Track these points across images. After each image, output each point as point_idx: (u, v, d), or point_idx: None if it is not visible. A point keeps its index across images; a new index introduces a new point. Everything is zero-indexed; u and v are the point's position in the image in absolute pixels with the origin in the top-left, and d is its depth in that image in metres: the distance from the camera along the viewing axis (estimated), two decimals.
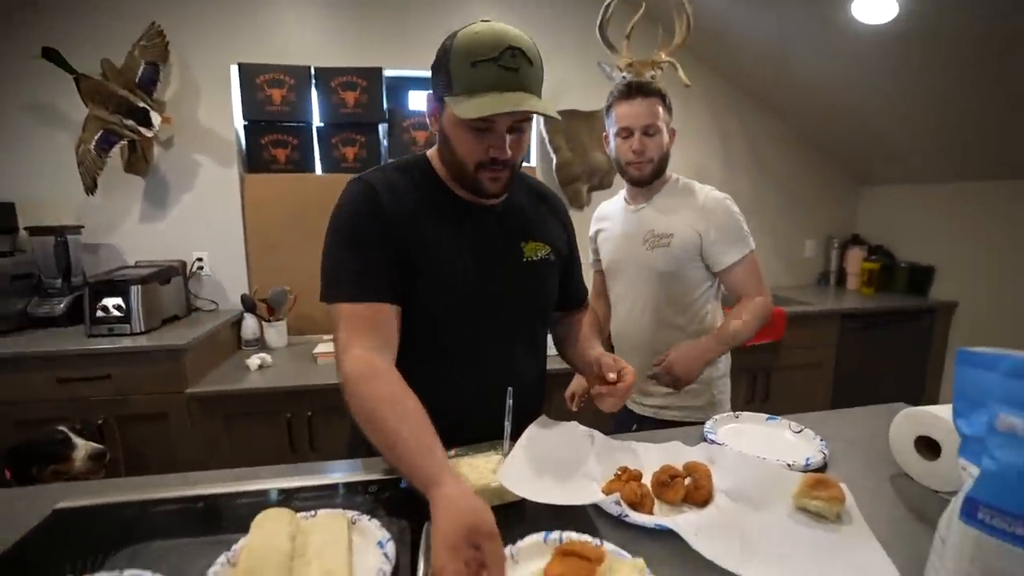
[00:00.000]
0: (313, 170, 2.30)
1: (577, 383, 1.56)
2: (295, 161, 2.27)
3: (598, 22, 2.10)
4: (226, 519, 0.71)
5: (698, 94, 2.61)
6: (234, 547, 0.61)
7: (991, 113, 2.03)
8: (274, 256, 2.27)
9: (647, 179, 1.33)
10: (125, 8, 2.11)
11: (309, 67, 2.22)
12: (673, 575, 0.63)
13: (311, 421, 1.81)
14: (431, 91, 0.86)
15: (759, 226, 2.88)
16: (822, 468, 0.88)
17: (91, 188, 2.04)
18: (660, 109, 1.29)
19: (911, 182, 2.75)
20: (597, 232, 1.53)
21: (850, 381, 2.45)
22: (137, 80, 2.07)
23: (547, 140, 2.43)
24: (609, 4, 2.07)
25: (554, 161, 2.43)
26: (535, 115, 0.81)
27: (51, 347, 1.72)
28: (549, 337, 1.09)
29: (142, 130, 2.05)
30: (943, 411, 0.83)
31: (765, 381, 2.33)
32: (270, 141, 2.25)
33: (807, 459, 0.88)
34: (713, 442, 0.95)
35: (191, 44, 2.19)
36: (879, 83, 2.20)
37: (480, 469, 0.77)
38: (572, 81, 2.50)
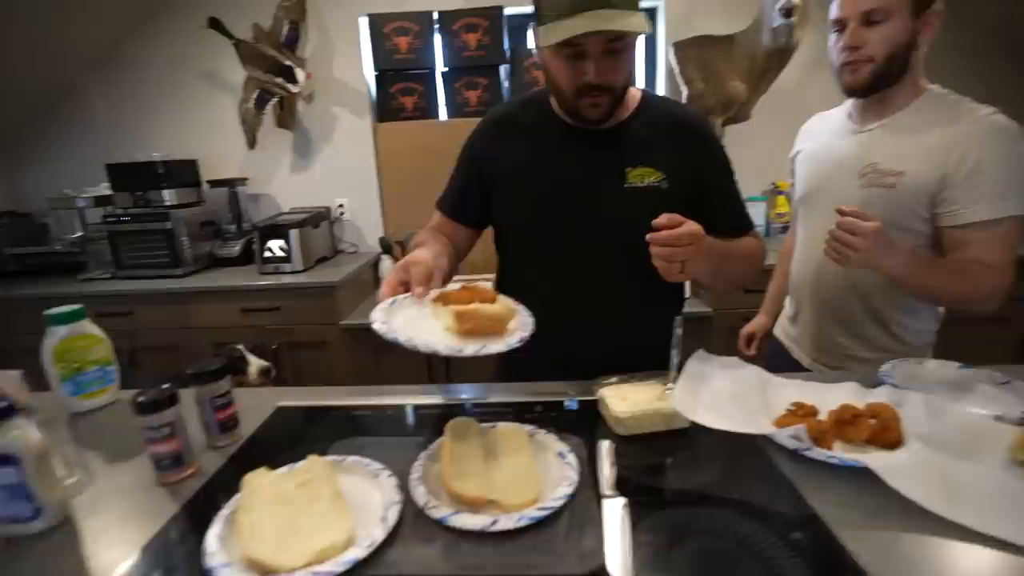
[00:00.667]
0: (438, 116, 2.36)
1: (756, 322, 1.43)
2: (421, 108, 2.34)
3: None
4: (418, 424, 0.79)
5: None
6: (431, 446, 0.68)
7: None
8: (406, 201, 2.41)
9: (864, 86, 0.98)
10: None
11: (432, 12, 2.24)
12: (869, 511, 0.60)
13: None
14: (532, 21, 0.86)
15: None
16: None
17: (252, 143, 2.28)
18: None
19: None
20: (796, 153, 1.23)
21: None
22: (283, 40, 2.23)
23: (677, 72, 2.25)
24: None
25: (684, 93, 2.26)
26: (636, 34, 0.79)
27: (234, 282, 2.00)
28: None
29: (289, 87, 2.22)
30: None
31: None
32: (398, 89, 2.33)
33: (1023, 412, 0.77)
34: (895, 387, 0.87)
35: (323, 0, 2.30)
36: None
37: (647, 394, 0.78)
38: (705, 3, 2.27)
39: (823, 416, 0.76)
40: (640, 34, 0.79)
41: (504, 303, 0.75)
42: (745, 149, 2.39)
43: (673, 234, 0.76)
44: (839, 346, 1.12)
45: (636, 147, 0.94)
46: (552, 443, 0.69)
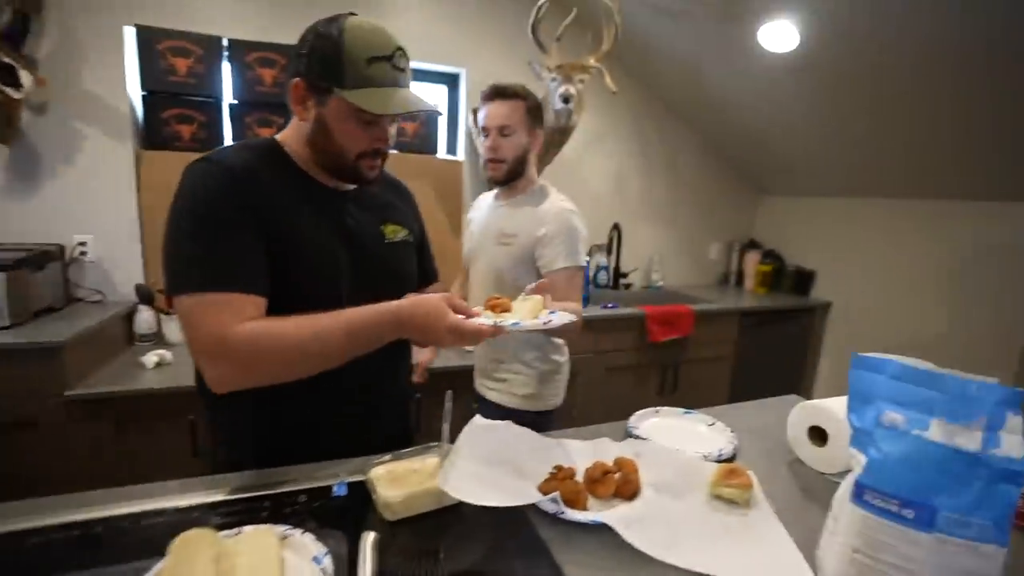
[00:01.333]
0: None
1: (420, 354, 1.60)
2: (202, 139, 2.07)
3: (530, 21, 2.12)
4: (137, 544, 0.64)
5: (622, 101, 2.72)
6: (148, 574, 0.55)
7: (871, 138, 2.32)
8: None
9: (502, 179, 1.42)
10: None
11: (221, 38, 2.03)
12: (608, 566, 0.66)
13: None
14: (300, 77, 0.84)
15: (673, 229, 3.08)
16: (732, 458, 0.96)
17: None
18: (521, 112, 1.37)
19: (801, 194, 3.07)
20: (469, 220, 1.63)
21: (746, 373, 2.70)
22: (3, 31, 1.78)
23: (474, 135, 2.42)
24: (542, 5, 2.09)
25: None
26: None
27: None
28: None
29: (8, 90, 1.77)
30: (831, 403, 0.95)
31: (674, 374, 2.50)
32: (173, 116, 2.04)
33: (720, 450, 0.96)
34: (637, 437, 1.01)
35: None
36: (779, 104, 2.43)
37: (419, 472, 0.76)
38: (503, 76, 2.48)
39: (581, 474, 0.84)
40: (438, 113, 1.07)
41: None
42: None
43: None
44: (497, 371, 1.51)
45: (381, 206, 1.02)
46: (308, 545, 0.62)
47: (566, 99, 2.07)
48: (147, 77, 1.99)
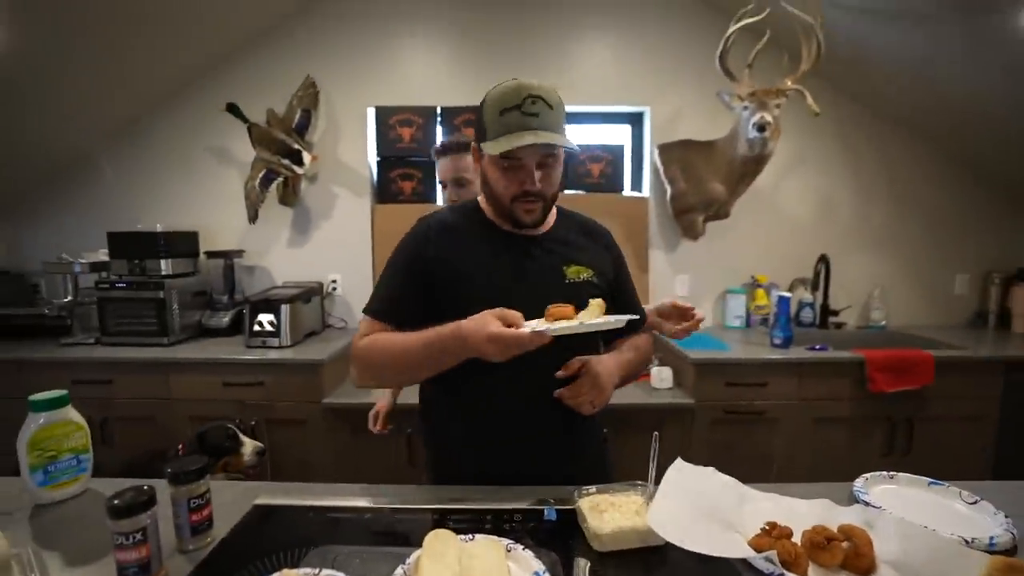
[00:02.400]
0: (434, 201, 2.48)
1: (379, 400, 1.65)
2: (419, 192, 2.46)
3: (718, 52, 2.07)
4: (395, 531, 0.78)
5: (827, 119, 2.45)
6: (408, 560, 0.67)
7: None
8: None
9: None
10: (287, 64, 2.44)
11: (435, 107, 2.42)
12: None
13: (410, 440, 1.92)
14: (474, 143, 1.02)
15: (897, 259, 2.62)
16: (1011, 551, 0.78)
17: (253, 218, 2.36)
18: (470, 160, 1.34)
19: None
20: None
21: (1018, 440, 2.11)
22: (294, 125, 2.37)
23: (662, 171, 2.41)
24: (730, 35, 2.04)
25: (668, 192, 2.41)
26: (563, 150, 0.96)
27: (218, 354, 2.00)
28: None
29: (296, 168, 2.34)
30: None
31: (907, 433, 2.08)
32: (398, 175, 2.47)
33: (991, 537, 0.79)
34: (867, 504, 0.88)
35: (336, 91, 2.48)
36: None
37: (622, 508, 0.78)
38: (689, 110, 2.48)
39: (797, 536, 0.77)
40: (566, 149, 0.95)
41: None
42: (725, 244, 2.53)
43: (576, 388, 0.94)
44: None
45: (567, 249, 1.05)
46: (529, 560, 0.68)
47: (761, 127, 1.95)
48: (381, 145, 2.45)
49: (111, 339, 2.20)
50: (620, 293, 1.13)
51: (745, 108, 2.02)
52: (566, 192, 2.40)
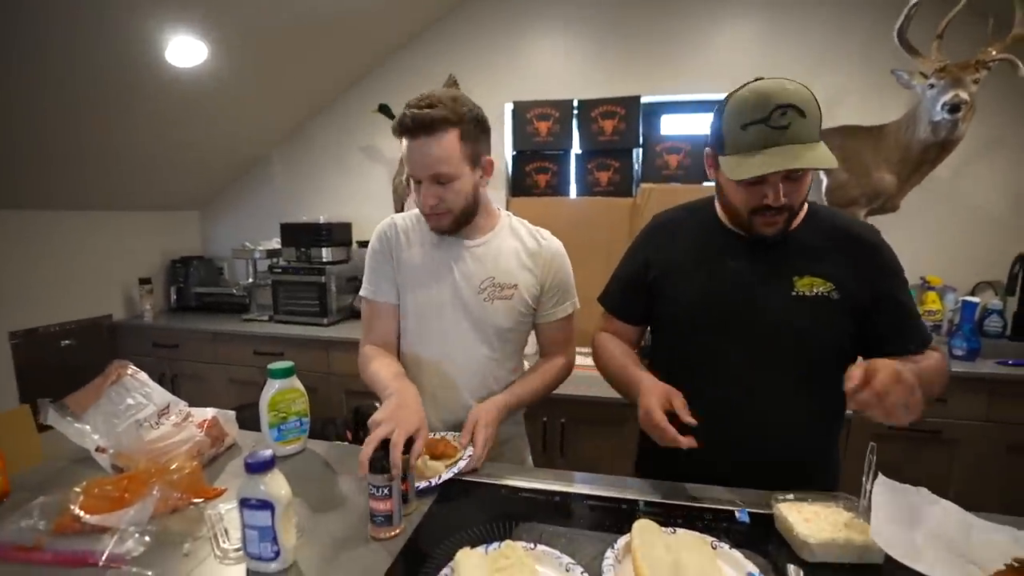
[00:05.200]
0: (568, 194, 2.49)
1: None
2: (553, 186, 2.49)
3: (897, 24, 1.84)
4: (593, 518, 0.81)
5: None
6: (616, 544, 0.69)
7: None
8: None
9: (449, 228, 1.06)
10: (432, 64, 2.59)
11: (572, 100, 2.42)
12: None
13: (564, 428, 1.95)
14: (708, 147, 0.96)
15: None
16: None
17: (400, 210, 2.53)
18: (456, 146, 0.97)
19: None
20: (381, 252, 1.20)
21: None
22: None
23: None
24: (914, 4, 1.80)
25: (824, 184, 2.21)
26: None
27: None
28: None
29: None
30: None
31: None
32: (533, 168, 2.51)
33: None
34: None
35: (476, 88, 2.57)
36: None
37: (829, 519, 0.74)
38: (851, 92, 2.24)
39: None
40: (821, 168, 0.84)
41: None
42: (891, 241, 2.23)
43: (877, 389, 0.72)
44: None
45: (803, 257, 0.94)
46: (738, 560, 0.67)
47: (955, 107, 1.71)
48: (517, 140, 2.51)
49: (281, 317, 2.51)
50: (879, 312, 0.93)
51: (931, 86, 1.78)
52: (704, 184, 2.29)
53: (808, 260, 0.93)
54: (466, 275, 1.08)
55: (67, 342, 2.41)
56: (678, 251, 1.02)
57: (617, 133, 2.36)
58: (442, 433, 1.05)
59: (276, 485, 0.68)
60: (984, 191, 2.22)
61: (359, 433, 1.82)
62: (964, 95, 1.70)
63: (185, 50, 1.92)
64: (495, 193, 2.60)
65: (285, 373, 1.01)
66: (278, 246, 2.62)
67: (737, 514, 0.81)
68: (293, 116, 2.77)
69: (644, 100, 2.36)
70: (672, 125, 2.48)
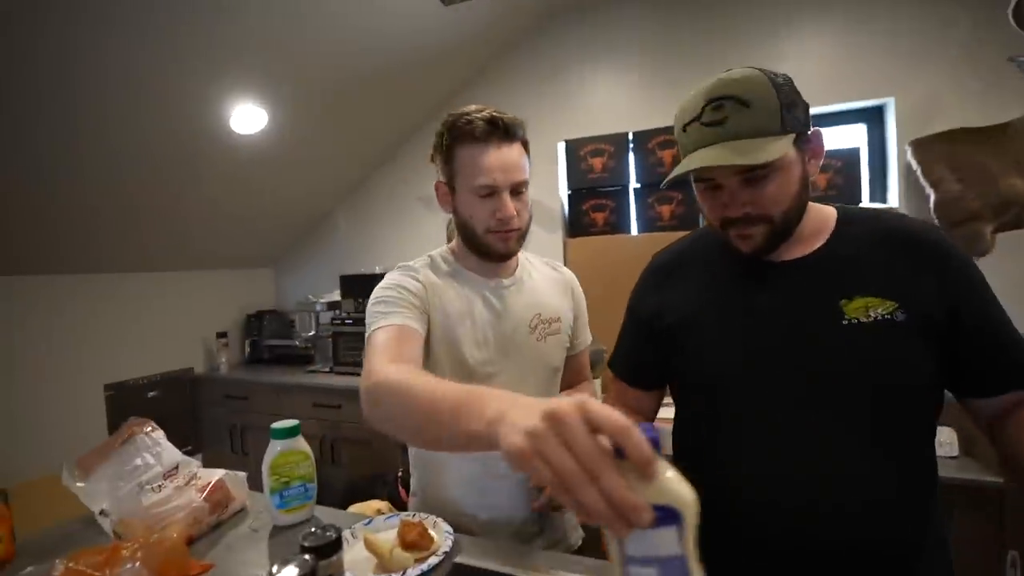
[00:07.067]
0: (628, 231, 2.33)
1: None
2: (612, 223, 2.34)
3: (1012, 4, 1.55)
4: None
5: None
6: None
7: None
8: (593, 315, 2.35)
9: (515, 251, 0.96)
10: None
11: (627, 133, 2.30)
12: None
13: None
14: None
15: None
16: None
17: None
18: (524, 155, 0.95)
19: None
20: (420, 303, 0.95)
21: None
22: None
23: (920, 173, 1.89)
24: None
25: (932, 199, 1.87)
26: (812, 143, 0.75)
27: None
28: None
29: None
30: None
31: None
32: (590, 206, 2.38)
33: None
34: None
35: (528, 131, 2.54)
36: None
37: None
38: (955, 92, 1.92)
39: None
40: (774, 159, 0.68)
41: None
42: None
43: None
44: None
45: (848, 274, 0.73)
46: None
47: None
48: (572, 178, 2.40)
49: (341, 368, 2.51)
50: (974, 334, 0.71)
51: None
52: None
53: (855, 277, 0.73)
54: (513, 313, 0.98)
55: (153, 393, 2.57)
56: (684, 295, 0.84)
57: (677, 162, 2.18)
58: (421, 516, 0.89)
59: (676, 482, 0.40)
60: None
61: None
62: None
63: (247, 117, 2.05)
64: (551, 236, 2.49)
65: (288, 433, 0.92)
66: (339, 298, 2.67)
67: None
68: (353, 171, 2.88)
69: None
70: None
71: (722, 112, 0.70)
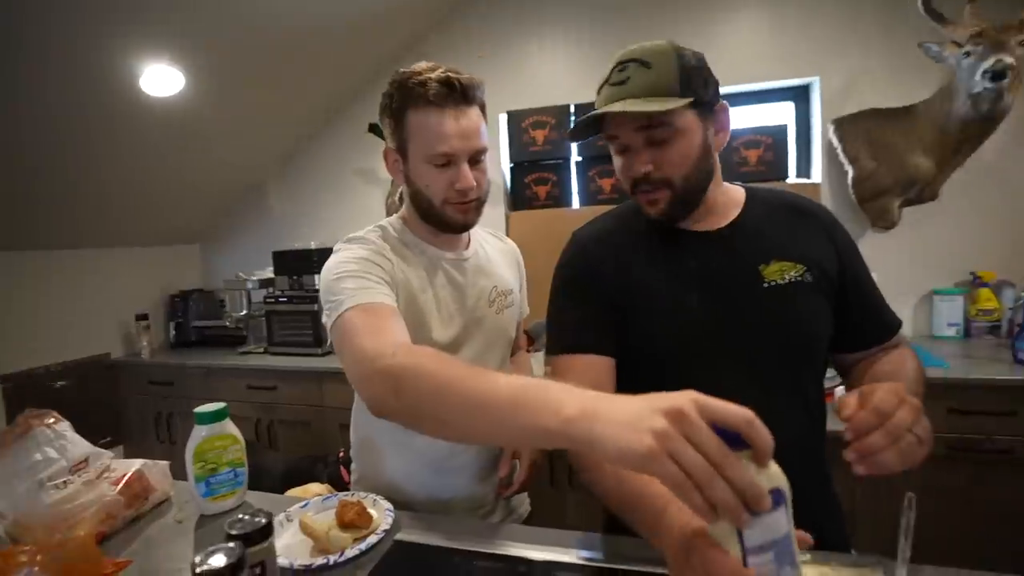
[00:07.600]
0: (570, 204, 2.34)
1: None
2: (554, 197, 2.34)
3: None
4: None
5: None
6: None
7: None
8: (534, 289, 2.35)
9: (474, 222, 0.93)
10: None
11: (568, 105, 2.28)
12: None
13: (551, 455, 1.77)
14: None
15: None
16: None
17: None
18: (481, 121, 0.88)
19: None
20: (383, 280, 0.90)
21: None
22: None
23: (840, 150, 2.01)
24: None
25: (850, 174, 1.99)
26: (720, 113, 0.80)
27: None
28: None
29: None
30: None
31: None
32: (532, 180, 2.37)
33: None
34: None
35: None
36: None
37: None
38: (872, 73, 2.04)
39: None
40: (660, 114, 0.71)
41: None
42: (931, 233, 2.02)
43: (879, 407, 0.55)
44: None
45: (762, 240, 0.80)
46: None
47: (999, 74, 1.50)
48: (514, 151, 2.37)
49: (276, 348, 2.40)
50: (855, 293, 0.81)
51: (967, 55, 1.58)
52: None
53: (769, 244, 0.80)
54: (474, 288, 0.97)
55: (62, 383, 2.35)
56: (621, 265, 0.82)
57: None
58: (360, 495, 0.87)
59: (775, 463, 0.42)
60: None
61: None
62: (1008, 59, 1.49)
63: (161, 79, 1.86)
64: (495, 210, 2.46)
65: (214, 417, 0.87)
66: (271, 275, 2.53)
67: None
68: (285, 142, 2.71)
69: None
70: None
71: (626, 72, 0.73)
